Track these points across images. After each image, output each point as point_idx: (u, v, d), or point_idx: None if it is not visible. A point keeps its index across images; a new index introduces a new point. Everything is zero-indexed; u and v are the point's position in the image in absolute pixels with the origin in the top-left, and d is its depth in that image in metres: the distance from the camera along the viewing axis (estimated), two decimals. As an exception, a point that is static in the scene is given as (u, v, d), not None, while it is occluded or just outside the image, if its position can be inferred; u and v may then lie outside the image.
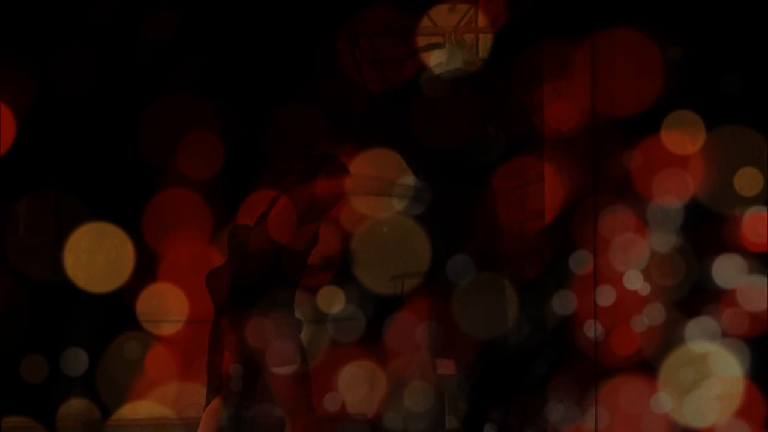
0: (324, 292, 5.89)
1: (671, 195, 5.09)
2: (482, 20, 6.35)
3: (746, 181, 5.09)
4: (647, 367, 5.09)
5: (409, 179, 6.26)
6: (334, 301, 6.20)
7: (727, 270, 5.04)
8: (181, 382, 6.75)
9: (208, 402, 5.45)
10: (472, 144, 6.01)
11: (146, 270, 6.69)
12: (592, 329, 5.35)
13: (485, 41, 6.43)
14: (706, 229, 5.05)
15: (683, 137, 5.07)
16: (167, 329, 6.74)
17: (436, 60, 6.25)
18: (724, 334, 5.05)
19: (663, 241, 5.09)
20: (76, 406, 6.76)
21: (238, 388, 5.36)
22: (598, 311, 5.31)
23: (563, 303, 5.50)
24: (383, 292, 6.59)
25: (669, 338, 5.09)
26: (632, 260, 5.08)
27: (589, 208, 5.38)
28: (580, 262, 5.36)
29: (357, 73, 6.38)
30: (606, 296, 5.26)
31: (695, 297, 5.07)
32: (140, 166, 6.24)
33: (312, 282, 5.61)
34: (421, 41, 6.40)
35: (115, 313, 6.53)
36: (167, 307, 6.81)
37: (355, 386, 6.68)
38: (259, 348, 5.36)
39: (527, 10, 5.54)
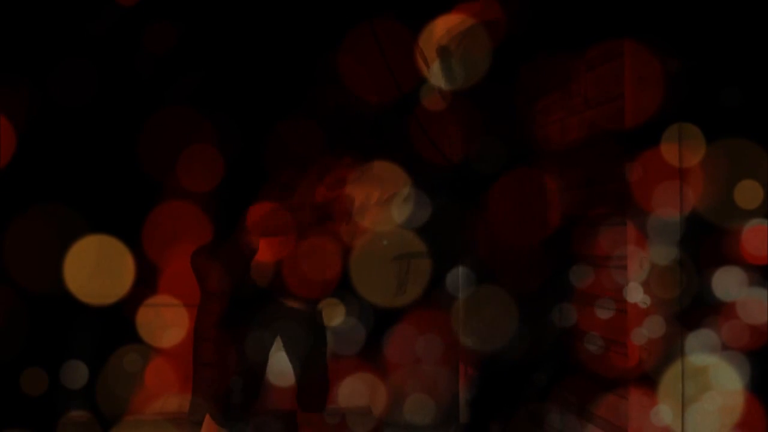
0: (324, 305, 5.87)
1: (671, 208, 5.08)
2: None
3: (746, 194, 5.08)
4: (647, 379, 5.09)
5: (409, 191, 6.24)
6: (334, 314, 6.19)
7: (727, 283, 5.02)
8: (181, 395, 6.74)
9: (197, 406, 5.43)
10: (472, 157, 6.01)
11: (146, 282, 6.69)
12: (592, 342, 5.35)
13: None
14: (706, 242, 5.03)
15: (683, 150, 5.06)
16: (167, 341, 6.73)
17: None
18: (725, 347, 5.04)
19: (663, 253, 5.08)
20: (76, 418, 6.75)
21: (239, 401, 5.36)
22: (598, 324, 5.32)
23: (564, 316, 5.50)
24: (384, 304, 6.59)
25: (669, 351, 5.08)
26: (632, 273, 5.07)
27: (589, 221, 5.39)
28: (581, 275, 5.36)
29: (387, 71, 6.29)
30: (606, 309, 5.26)
31: (695, 310, 5.06)
32: (140, 178, 6.26)
33: (312, 295, 5.61)
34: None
35: (115, 325, 6.54)
36: (167, 319, 6.80)
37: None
38: (259, 360, 5.36)
39: (526, 24, 5.54)
